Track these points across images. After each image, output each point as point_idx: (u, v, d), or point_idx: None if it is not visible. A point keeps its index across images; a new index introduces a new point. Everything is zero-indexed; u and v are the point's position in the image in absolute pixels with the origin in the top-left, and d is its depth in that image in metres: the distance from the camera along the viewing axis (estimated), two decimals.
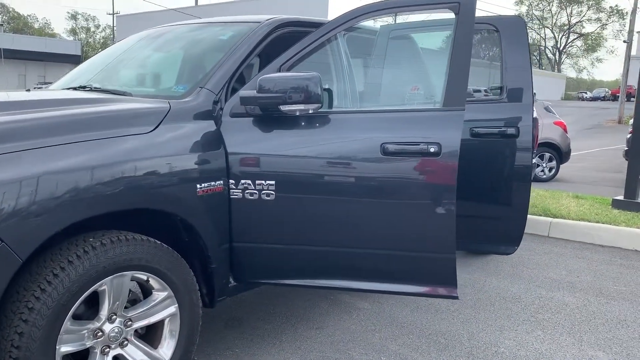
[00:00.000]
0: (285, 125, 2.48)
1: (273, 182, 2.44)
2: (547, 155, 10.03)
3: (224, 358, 2.80)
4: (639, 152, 6.12)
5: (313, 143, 2.45)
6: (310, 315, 3.33)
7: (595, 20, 68.62)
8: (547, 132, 10.01)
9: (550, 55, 75.34)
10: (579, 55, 73.57)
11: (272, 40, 2.87)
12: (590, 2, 66.87)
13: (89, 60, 3.34)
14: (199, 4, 40.24)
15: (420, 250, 2.43)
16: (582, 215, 5.62)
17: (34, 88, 3.73)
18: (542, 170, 10.07)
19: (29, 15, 76.51)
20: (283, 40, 2.89)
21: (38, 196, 1.84)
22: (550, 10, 70.16)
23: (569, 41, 72.26)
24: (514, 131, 3.30)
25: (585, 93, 60.14)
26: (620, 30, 64.68)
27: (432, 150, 2.33)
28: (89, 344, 2.08)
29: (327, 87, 2.59)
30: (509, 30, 3.36)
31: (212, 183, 2.40)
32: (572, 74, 78.78)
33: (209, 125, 2.46)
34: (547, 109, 10.40)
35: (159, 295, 2.29)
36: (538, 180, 9.93)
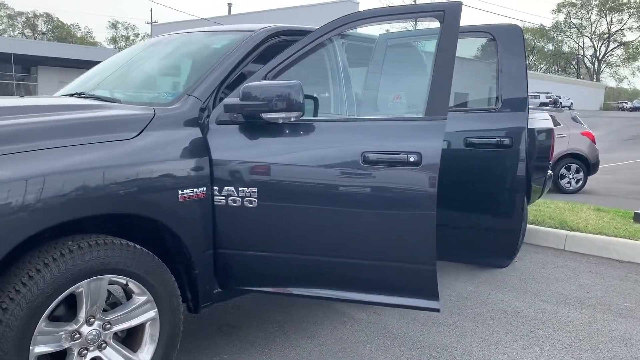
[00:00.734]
0: (268, 132, 2.49)
1: (255, 189, 2.44)
2: (574, 166, 9.78)
3: None
4: None
5: (294, 151, 2.45)
6: (305, 324, 3.32)
7: (637, 28, 66.79)
8: (574, 142, 9.77)
9: (588, 64, 73.59)
10: (619, 64, 71.68)
11: (266, 48, 2.89)
12: (632, 10, 65.12)
13: (94, 68, 3.43)
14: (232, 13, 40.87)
15: (400, 261, 2.39)
16: (601, 228, 5.45)
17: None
18: (569, 182, 9.82)
19: (72, 25, 79.05)
20: (278, 48, 2.90)
21: (12, 200, 1.89)
22: (589, 18, 68.63)
23: (608, 50, 70.48)
24: (508, 141, 3.23)
25: (626, 103, 58.33)
26: None
27: (411, 159, 2.30)
28: (66, 345, 2.12)
29: (313, 94, 2.59)
30: (505, 39, 3.29)
31: (195, 189, 2.42)
32: (611, 83, 76.80)
33: (193, 132, 2.49)
34: (574, 119, 10.14)
35: (138, 299, 2.31)
36: (564, 192, 9.68)
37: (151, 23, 49.83)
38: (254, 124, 2.49)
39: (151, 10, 48.05)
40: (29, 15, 72.24)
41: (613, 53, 71.00)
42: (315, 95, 2.65)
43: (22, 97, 2.97)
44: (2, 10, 69.96)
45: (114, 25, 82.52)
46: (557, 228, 5.55)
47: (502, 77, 3.28)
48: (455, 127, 3.33)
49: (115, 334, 2.30)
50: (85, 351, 2.18)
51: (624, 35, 68.69)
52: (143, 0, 48.74)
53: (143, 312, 2.32)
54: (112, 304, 2.33)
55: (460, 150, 3.32)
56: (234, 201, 2.46)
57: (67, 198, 2.02)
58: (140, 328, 2.36)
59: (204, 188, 2.45)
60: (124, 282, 2.25)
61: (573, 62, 70.67)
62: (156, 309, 2.34)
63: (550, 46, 73.99)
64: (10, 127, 2.05)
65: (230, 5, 40.35)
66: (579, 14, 68.66)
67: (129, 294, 2.34)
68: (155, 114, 2.41)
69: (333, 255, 2.47)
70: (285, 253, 2.50)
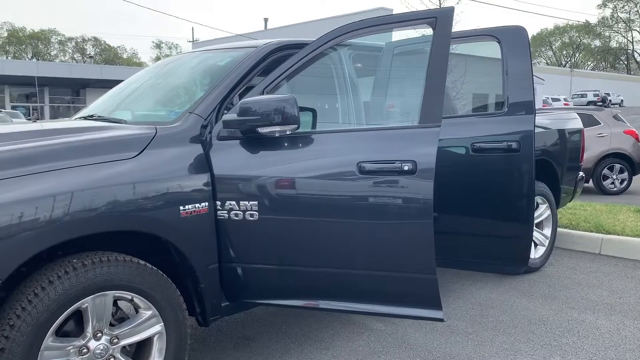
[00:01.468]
0: (267, 146, 2.52)
1: (256, 203, 2.48)
2: (618, 166, 9.41)
3: None
4: None
5: (290, 163, 2.47)
6: (321, 336, 3.32)
7: None
8: (617, 141, 9.42)
9: (639, 58, 70.73)
10: None
11: (269, 63, 2.94)
12: None
13: (109, 92, 3.56)
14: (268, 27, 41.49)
15: (400, 271, 2.37)
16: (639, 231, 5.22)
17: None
18: (612, 183, 9.45)
19: (119, 47, 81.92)
20: (282, 62, 2.94)
21: (18, 219, 1.98)
22: (637, 11, 66.07)
23: None
24: (515, 145, 3.15)
25: None
26: None
27: (406, 168, 2.28)
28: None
29: (312, 106, 2.61)
30: (510, 41, 3.22)
31: (197, 205, 2.47)
32: None
33: (195, 149, 2.55)
34: (616, 117, 9.77)
35: (144, 313, 2.37)
36: (607, 192, 9.33)
37: (192, 41, 51.23)
38: (252, 139, 2.53)
39: (192, 29, 49.50)
40: (78, 40, 75.51)
41: None
42: (312, 107, 2.66)
43: (35, 121, 3.11)
44: (54, 37, 73.43)
45: (158, 45, 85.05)
46: (592, 231, 5.35)
47: (507, 80, 3.21)
48: (462, 133, 3.28)
49: (124, 348, 2.36)
50: None
51: None
52: (185, 20, 50.04)
53: (149, 326, 2.38)
54: (120, 319, 2.40)
55: (467, 156, 3.26)
56: (236, 215, 2.50)
57: (71, 217, 2.10)
58: (148, 342, 2.42)
59: (206, 203, 2.50)
60: (129, 297, 2.31)
61: (622, 58, 68.11)
62: (162, 323, 2.40)
63: (597, 42, 71.66)
64: (16, 152, 2.16)
65: (266, 20, 40.96)
66: (626, 7, 66.25)
67: (136, 309, 2.41)
68: (156, 132, 2.49)
69: (334, 266, 2.46)
70: (286, 265, 2.51)
